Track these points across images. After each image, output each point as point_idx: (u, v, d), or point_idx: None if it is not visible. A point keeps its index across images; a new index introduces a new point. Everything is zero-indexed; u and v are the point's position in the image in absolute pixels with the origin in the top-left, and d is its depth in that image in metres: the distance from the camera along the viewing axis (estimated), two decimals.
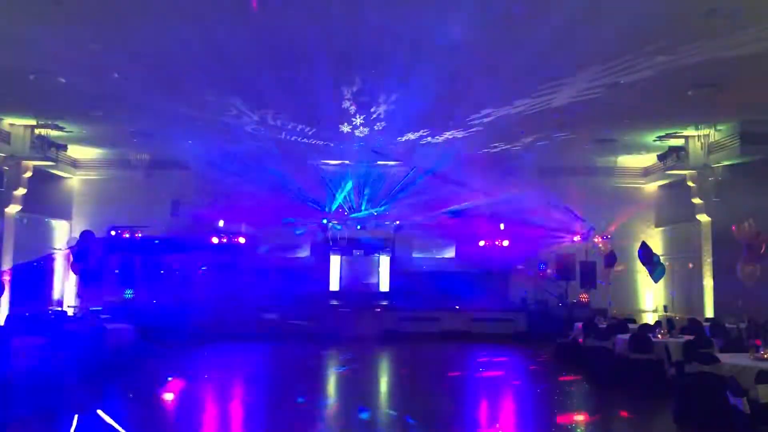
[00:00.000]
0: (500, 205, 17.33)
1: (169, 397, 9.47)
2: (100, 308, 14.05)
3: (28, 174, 14.95)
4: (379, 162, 16.92)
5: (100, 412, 7.29)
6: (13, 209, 14.82)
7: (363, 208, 18.29)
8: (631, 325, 11.99)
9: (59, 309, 15.82)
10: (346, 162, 16.89)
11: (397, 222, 18.42)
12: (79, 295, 16.76)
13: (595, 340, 11.59)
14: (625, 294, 17.83)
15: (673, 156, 15.24)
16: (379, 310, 17.76)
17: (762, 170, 13.53)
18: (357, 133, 13.94)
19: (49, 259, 17.06)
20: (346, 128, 13.69)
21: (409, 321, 17.17)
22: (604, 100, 11.26)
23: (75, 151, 16.59)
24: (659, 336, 10.25)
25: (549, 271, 18.10)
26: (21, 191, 14.84)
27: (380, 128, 13.53)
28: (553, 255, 18.10)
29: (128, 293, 17.32)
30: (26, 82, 10.82)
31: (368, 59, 9.83)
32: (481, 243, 18.38)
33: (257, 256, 17.94)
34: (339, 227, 18.37)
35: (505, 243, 18.20)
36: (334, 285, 18.71)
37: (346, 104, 12.07)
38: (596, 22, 8.35)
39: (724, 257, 14.54)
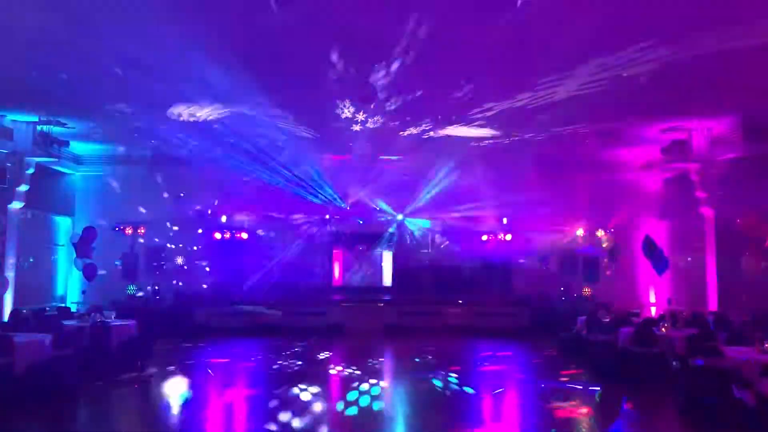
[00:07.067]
0: (503, 199, 17.28)
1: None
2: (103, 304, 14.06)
3: (31, 170, 14.95)
4: (381, 156, 16.89)
5: None
6: (16, 205, 14.82)
7: (366, 202, 18.26)
8: (634, 319, 11.97)
9: (63, 305, 15.85)
10: (349, 156, 16.83)
11: (400, 216, 18.41)
12: (83, 291, 16.77)
13: (598, 333, 11.58)
14: (628, 287, 17.77)
15: (676, 149, 15.16)
16: (381, 304, 17.78)
17: (766, 163, 13.45)
18: (359, 127, 13.89)
19: (52, 256, 17.09)
20: (356, 127, 13.71)
21: (411, 315, 17.21)
22: (606, 93, 11.18)
23: (77, 147, 16.57)
24: (663, 329, 10.24)
25: (551, 265, 18.11)
26: (24, 187, 14.83)
27: (382, 121, 13.49)
28: (555, 249, 18.10)
29: (131, 289, 17.38)
30: (28, 79, 10.78)
31: (373, 51, 9.80)
32: (484, 237, 18.40)
33: (260, 251, 17.96)
34: (341, 222, 18.39)
35: (508, 237, 18.21)
36: (337, 280, 18.72)
37: (347, 103, 12.10)
38: (597, 13, 8.29)
39: (728, 250, 14.51)
